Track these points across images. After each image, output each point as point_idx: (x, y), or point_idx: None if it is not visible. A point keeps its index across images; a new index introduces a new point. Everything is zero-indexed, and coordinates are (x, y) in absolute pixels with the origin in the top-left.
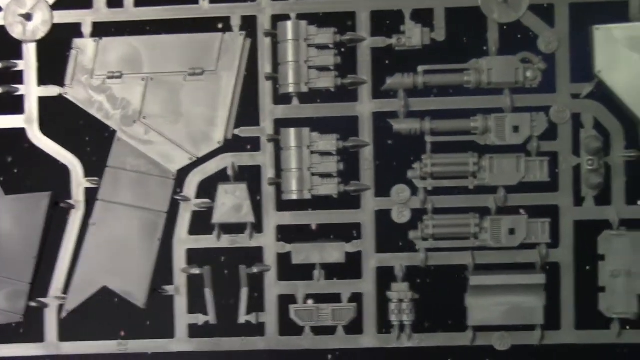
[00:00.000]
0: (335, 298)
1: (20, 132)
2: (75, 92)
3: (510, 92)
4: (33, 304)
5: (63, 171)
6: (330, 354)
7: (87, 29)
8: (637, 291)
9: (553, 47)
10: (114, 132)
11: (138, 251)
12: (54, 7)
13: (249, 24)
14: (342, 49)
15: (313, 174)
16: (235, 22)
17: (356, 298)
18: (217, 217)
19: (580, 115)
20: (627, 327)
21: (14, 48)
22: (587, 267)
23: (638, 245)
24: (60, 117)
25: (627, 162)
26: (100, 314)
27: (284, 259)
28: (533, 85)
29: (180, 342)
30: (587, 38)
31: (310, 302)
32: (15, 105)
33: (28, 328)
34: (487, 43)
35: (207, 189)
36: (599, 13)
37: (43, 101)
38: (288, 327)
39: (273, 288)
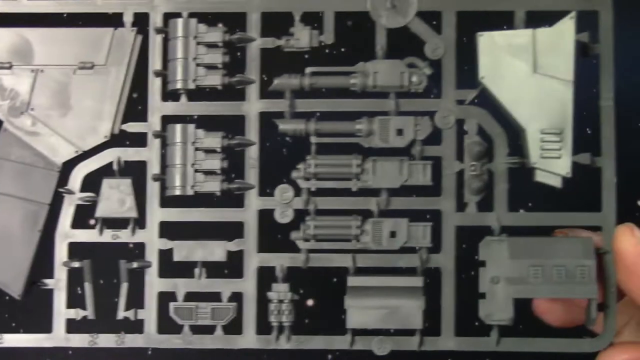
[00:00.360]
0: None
1: None
2: None
3: (395, 95)
4: None
5: None
6: (330, 354)
7: None
8: (514, 296)
9: (439, 53)
10: (0, 122)
11: (17, 242)
12: None
13: (141, 21)
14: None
15: (197, 171)
16: (128, 18)
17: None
18: (101, 211)
19: (465, 121)
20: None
21: None
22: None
23: (516, 251)
24: None
25: (510, 169)
26: None
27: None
28: (418, 90)
29: (57, 338)
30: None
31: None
32: None
33: None
34: (375, 47)
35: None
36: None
37: None
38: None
39: (153, 285)
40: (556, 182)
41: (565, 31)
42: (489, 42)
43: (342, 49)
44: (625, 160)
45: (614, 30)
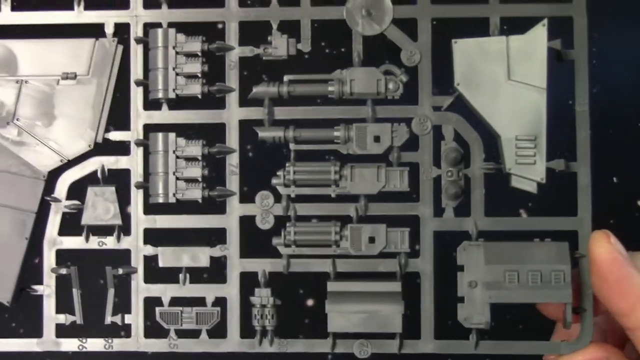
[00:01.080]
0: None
1: None
2: None
3: (372, 102)
4: None
5: None
6: (330, 354)
7: None
8: (489, 301)
9: (415, 59)
10: None
11: (5, 249)
12: None
13: (122, 31)
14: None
15: (178, 179)
16: (109, 29)
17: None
18: (86, 219)
19: (442, 127)
20: (486, 337)
21: None
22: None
23: (492, 256)
24: None
25: (486, 175)
26: None
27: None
28: (395, 96)
29: (47, 343)
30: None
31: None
32: None
33: None
34: (352, 55)
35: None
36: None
37: None
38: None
39: (139, 290)
40: (532, 188)
41: (537, 38)
42: (463, 49)
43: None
44: (625, 160)
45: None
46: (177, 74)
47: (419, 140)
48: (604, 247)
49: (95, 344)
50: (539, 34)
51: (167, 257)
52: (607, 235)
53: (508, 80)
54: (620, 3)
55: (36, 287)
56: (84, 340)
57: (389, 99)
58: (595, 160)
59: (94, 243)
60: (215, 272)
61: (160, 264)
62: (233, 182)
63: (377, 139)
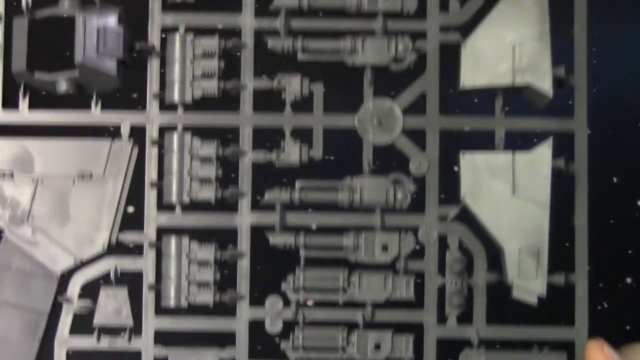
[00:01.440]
0: None
1: None
2: None
3: (381, 211)
4: None
5: None
6: None
7: None
8: None
9: (423, 170)
10: (1, 230)
11: (17, 350)
12: None
13: (137, 133)
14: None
15: (190, 282)
16: (125, 130)
17: None
18: (98, 320)
19: (447, 236)
20: None
21: None
22: None
23: None
24: None
25: (489, 284)
26: None
27: None
28: (403, 206)
29: None
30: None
31: None
32: None
33: None
34: (362, 162)
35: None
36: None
37: None
38: None
39: None
40: (532, 300)
41: (543, 156)
42: (470, 162)
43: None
44: (625, 160)
45: None
46: (191, 179)
47: (425, 248)
48: (598, 357)
49: None
50: (544, 152)
51: (178, 358)
52: (601, 345)
53: (513, 196)
54: (621, 3)
55: None
56: None
57: (397, 208)
58: (595, 160)
59: (105, 343)
60: None
61: None
62: (243, 285)
63: (385, 247)
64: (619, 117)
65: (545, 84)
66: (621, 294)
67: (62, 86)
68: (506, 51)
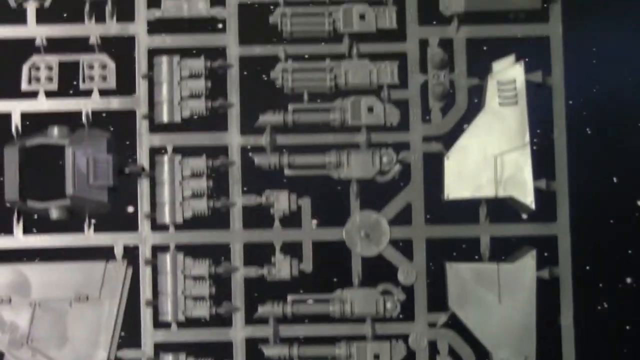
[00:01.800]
0: None
1: None
2: None
3: (371, 320)
4: None
5: None
6: None
7: None
8: None
9: (411, 279)
10: (2, 354)
11: None
12: None
13: (130, 252)
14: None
15: None
16: (119, 251)
17: None
18: None
19: (437, 342)
20: None
21: None
22: None
23: None
24: None
25: None
26: None
27: None
28: (393, 315)
29: None
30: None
31: None
32: None
33: None
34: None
35: None
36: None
37: None
38: None
39: None
40: None
41: (526, 268)
42: (456, 272)
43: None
44: (625, 160)
45: None
46: (185, 297)
47: (416, 355)
48: None
49: None
50: (528, 263)
51: None
52: None
53: (499, 304)
54: (621, 3)
55: None
56: None
57: (387, 317)
58: (595, 160)
59: None
60: None
61: None
62: None
63: (376, 356)
64: (619, 117)
65: (527, 197)
66: (621, 294)
67: (54, 214)
68: (488, 162)
